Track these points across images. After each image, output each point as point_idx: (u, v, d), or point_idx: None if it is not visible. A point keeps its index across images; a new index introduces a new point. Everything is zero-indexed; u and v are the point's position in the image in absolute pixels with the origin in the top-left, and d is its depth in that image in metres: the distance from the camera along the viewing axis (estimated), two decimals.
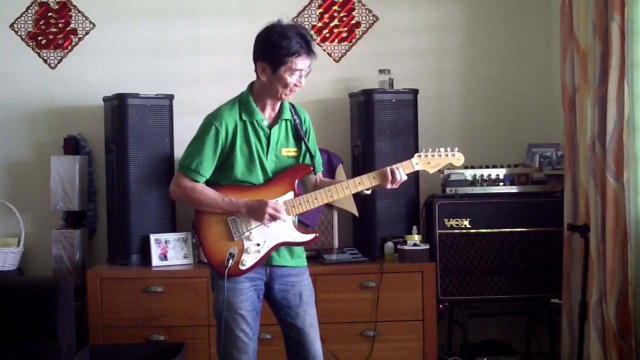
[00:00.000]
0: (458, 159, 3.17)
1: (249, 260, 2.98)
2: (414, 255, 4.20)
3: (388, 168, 3.04)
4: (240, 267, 2.98)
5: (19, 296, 3.93)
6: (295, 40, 2.93)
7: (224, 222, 2.99)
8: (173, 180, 3.07)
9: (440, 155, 3.14)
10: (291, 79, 2.95)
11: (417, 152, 3.16)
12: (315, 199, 3.03)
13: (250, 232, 2.99)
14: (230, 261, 2.94)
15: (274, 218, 2.95)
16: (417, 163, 3.11)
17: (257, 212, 2.95)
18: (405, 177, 3.06)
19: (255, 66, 3.00)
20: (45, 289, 3.91)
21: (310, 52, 2.96)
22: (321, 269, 4.15)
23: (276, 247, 3.02)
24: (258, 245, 2.99)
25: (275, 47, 2.92)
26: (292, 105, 3.13)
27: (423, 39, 4.78)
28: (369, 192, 3.10)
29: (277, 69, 2.94)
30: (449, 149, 3.16)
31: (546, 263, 4.28)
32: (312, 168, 3.11)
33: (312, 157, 3.13)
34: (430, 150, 3.14)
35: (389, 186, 3.04)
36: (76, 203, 4.44)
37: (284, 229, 3.02)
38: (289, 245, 3.06)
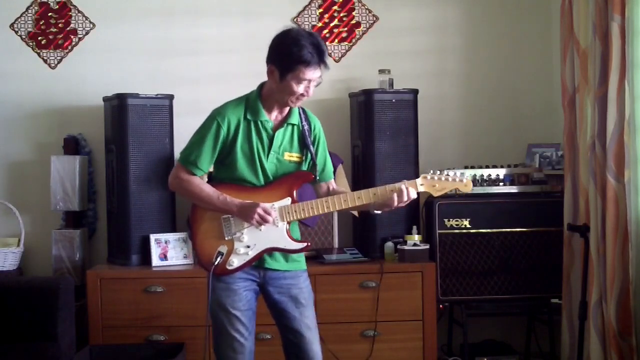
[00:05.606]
0: (466, 185, 3.02)
1: (236, 261, 2.98)
2: (414, 255, 4.19)
3: (394, 188, 2.93)
4: (227, 267, 2.97)
5: (19, 296, 3.93)
6: (308, 49, 2.84)
7: (217, 220, 2.99)
8: (173, 170, 3.07)
9: (447, 180, 3.00)
10: (297, 88, 2.88)
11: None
12: (311, 208, 2.98)
13: (242, 234, 2.97)
14: (219, 259, 2.94)
15: (263, 219, 2.92)
16: (421, 184, 2.99)
17: (247, 213, 2.93)
18: (414, 196, 2.94)
19: (267, 67, 2.95)
20: (45, 289, 3.91)
21: (321, 62, 2.87)
22: (321, 269, 4.15)
23: (265, 252, 3.00)
24: (247, 247, 2.98)
25: (286, 53, 2.85)
26: (304, 111, 3.07)
27: (423, 39, 4.78)
28: (379, 212, 3.02)
29: (285, 76, 2.87)
30: (457, 173, 3.02)
31: (546, 263, 4.28)
32: (313, 176, 3.06)
33: (315, 165, 3.07)
34: (438, 172, 3.02)
35: (395, 205, 2.93)
36: (76, 203, 4.44)
37: (276, 235, 2.99)
38: (279, 251, 3.03)
